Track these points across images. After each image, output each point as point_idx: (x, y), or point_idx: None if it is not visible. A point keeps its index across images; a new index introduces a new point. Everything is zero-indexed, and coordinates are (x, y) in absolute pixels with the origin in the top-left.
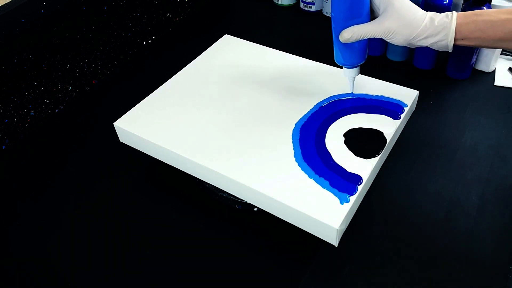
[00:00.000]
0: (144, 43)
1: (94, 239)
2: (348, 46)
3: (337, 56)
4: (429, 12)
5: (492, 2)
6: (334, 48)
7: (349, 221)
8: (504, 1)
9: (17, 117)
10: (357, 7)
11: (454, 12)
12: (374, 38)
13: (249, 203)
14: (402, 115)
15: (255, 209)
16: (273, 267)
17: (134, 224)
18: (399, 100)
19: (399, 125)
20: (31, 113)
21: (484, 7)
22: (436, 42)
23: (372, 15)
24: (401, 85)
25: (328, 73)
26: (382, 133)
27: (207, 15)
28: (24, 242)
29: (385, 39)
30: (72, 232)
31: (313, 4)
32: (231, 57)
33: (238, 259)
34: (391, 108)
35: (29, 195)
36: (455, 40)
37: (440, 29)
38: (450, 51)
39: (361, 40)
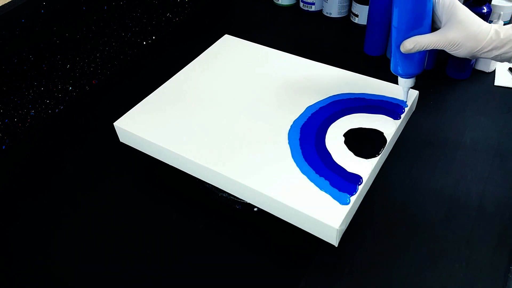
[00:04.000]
0: (144, 43)
1: (94, 239)
2: (408, 56)
3: (394, 66)
4: (493, 24)
5: (492, 2)
6: (392, 57)
7: (349, 221)
8: (504, 1)
9: (17, 117)
10: (420, 17)
11: None
12: (436, 49)
13: (249, 203)
14: (402, 115)
15: (255, 209)
16: (273, 267)
17: (134, 224)
18: (399, 100)
19: (399, 125)
20: (31, 113)
21: (484, 7)
22: (501, 54)
23: (432, 26)
24: None
25: (328, 73)
26: (382, 133)
27: (207, 15)
28: (24, 242)
29: (447, 51)
30: (72, 232)
31: (313, 4)
32: (231, 57)
33: (238, 259)
34: (391, 108)
35: (29, 195)
36: None
37: (506, 41)
38: (511, 62)
39: (421, 51)
